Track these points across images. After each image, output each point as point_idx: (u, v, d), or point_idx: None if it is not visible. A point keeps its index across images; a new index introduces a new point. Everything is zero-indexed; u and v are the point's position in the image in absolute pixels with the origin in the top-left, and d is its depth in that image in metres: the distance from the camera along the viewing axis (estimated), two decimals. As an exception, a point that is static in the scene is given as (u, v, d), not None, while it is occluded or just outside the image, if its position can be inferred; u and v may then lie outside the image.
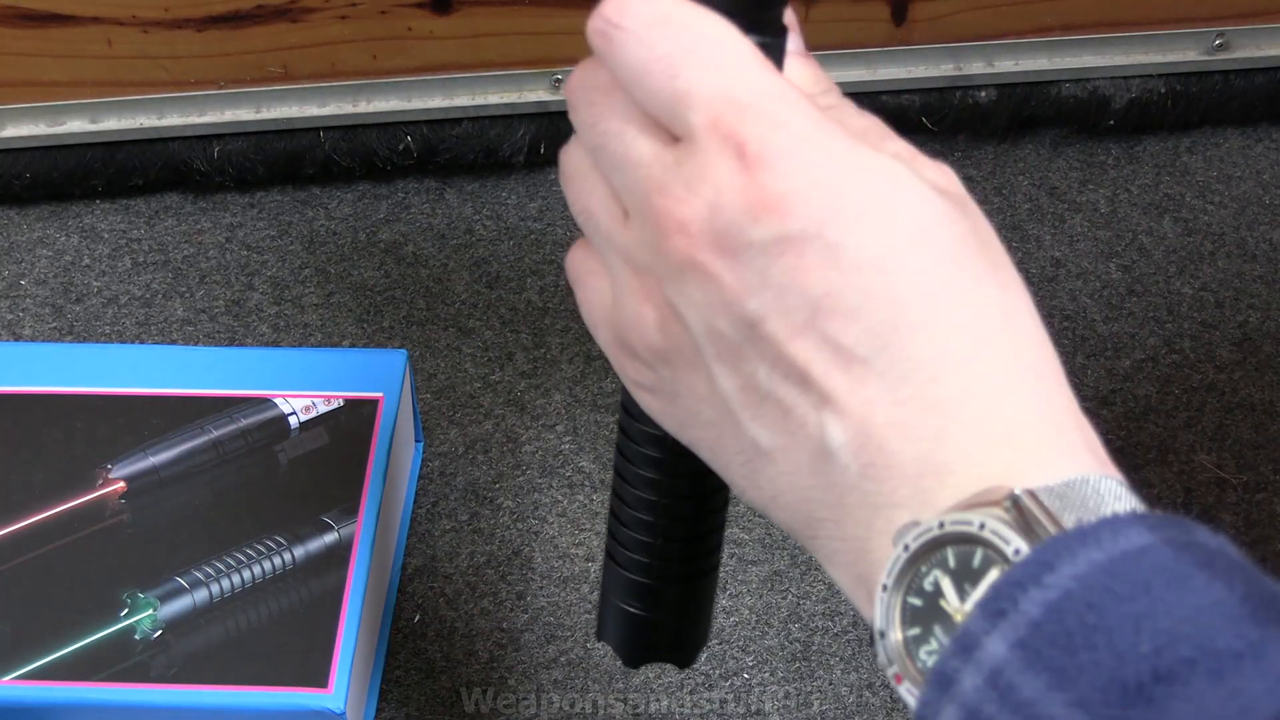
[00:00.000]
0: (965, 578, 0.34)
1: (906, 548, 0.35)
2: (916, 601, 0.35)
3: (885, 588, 0.35)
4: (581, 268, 0.41)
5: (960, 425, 0.35)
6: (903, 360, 0.36)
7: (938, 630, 0.35)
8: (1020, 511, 0.33)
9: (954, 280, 0.36)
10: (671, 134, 0.37)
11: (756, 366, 0.37)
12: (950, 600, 0.34)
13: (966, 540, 0.34)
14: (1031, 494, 0.34)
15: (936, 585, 0.35)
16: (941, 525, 0.34)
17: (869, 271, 0.35)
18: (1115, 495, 0.34)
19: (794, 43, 0.42)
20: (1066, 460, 0.35)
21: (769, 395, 0.37)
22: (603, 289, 0.40)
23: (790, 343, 0.36)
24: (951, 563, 0.34)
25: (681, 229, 0.36)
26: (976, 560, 0.34)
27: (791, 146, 0.36)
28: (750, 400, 0.37)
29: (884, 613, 0.36)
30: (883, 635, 0.36)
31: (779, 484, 0.38)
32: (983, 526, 0.34)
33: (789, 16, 0.41)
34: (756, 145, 0.35)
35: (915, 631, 0.35)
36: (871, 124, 0.40)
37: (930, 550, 0.35)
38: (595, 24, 0.38)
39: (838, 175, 0.36)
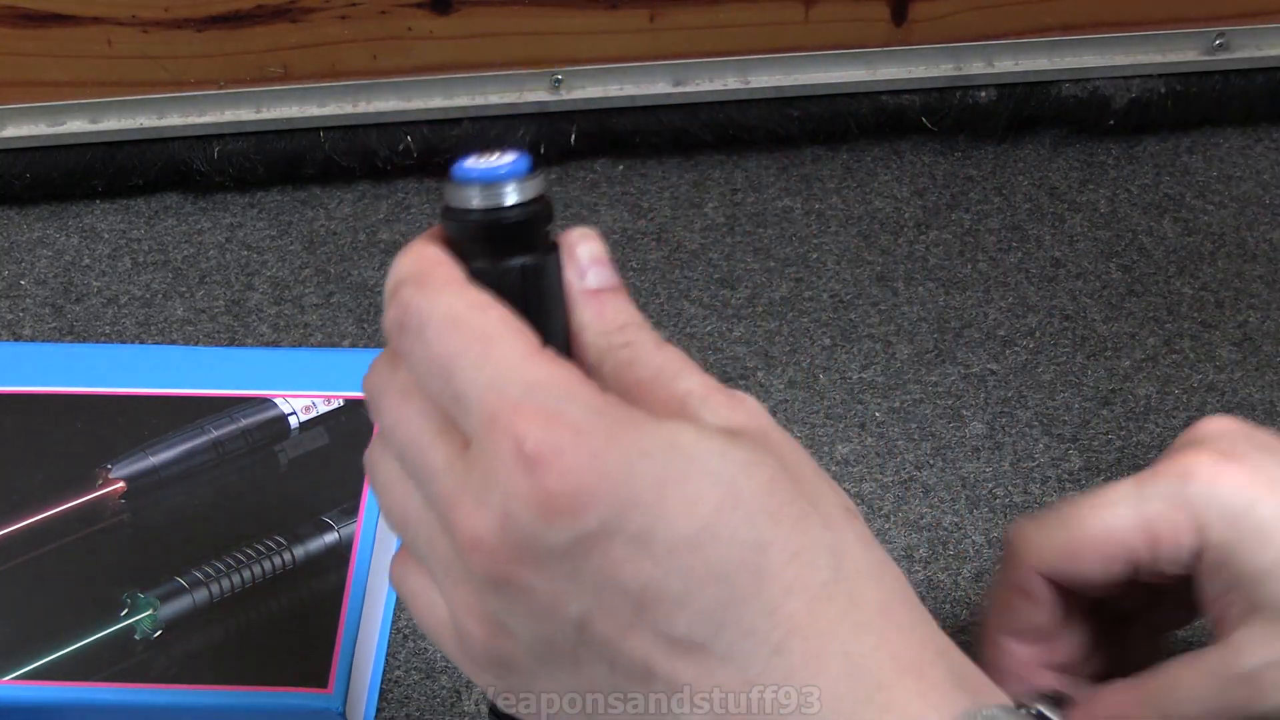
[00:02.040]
0: None
1: None
2: None
3: None
4: (408, 585, 0.39)
5: (820, 692, 0.34)
6: (742, 639, 0.34)
7: None
8: None
9: (773, 536, 0.35)
10: (465, 435, 0.36)
11: (597, 668, 0.35)
12: None
13: None
14: None
15: None
16: None
17: (683, 552, 0.34)
18: None
19: (595, 276, 0.39)
20: (936, 706, 0.34)
21: (621, 691, 0.35)
22: (435, 604, 0.38)
23: (624, 641, 0.34)
24: None
25: (477, 545, 0.34)
26: None
27: (570, 440, 0.34)
28: (604, 700, 0.36)
29: None
30: None
31: None
32: None
33: (589, 246, 0.39)
34: (534, 444, 0.34)
35: None
36: (666, 359, 0.38)
37: None
38: (390, 315, 0.37)
39: (625, 460, 0.34)
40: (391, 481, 0.38)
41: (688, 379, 0.38)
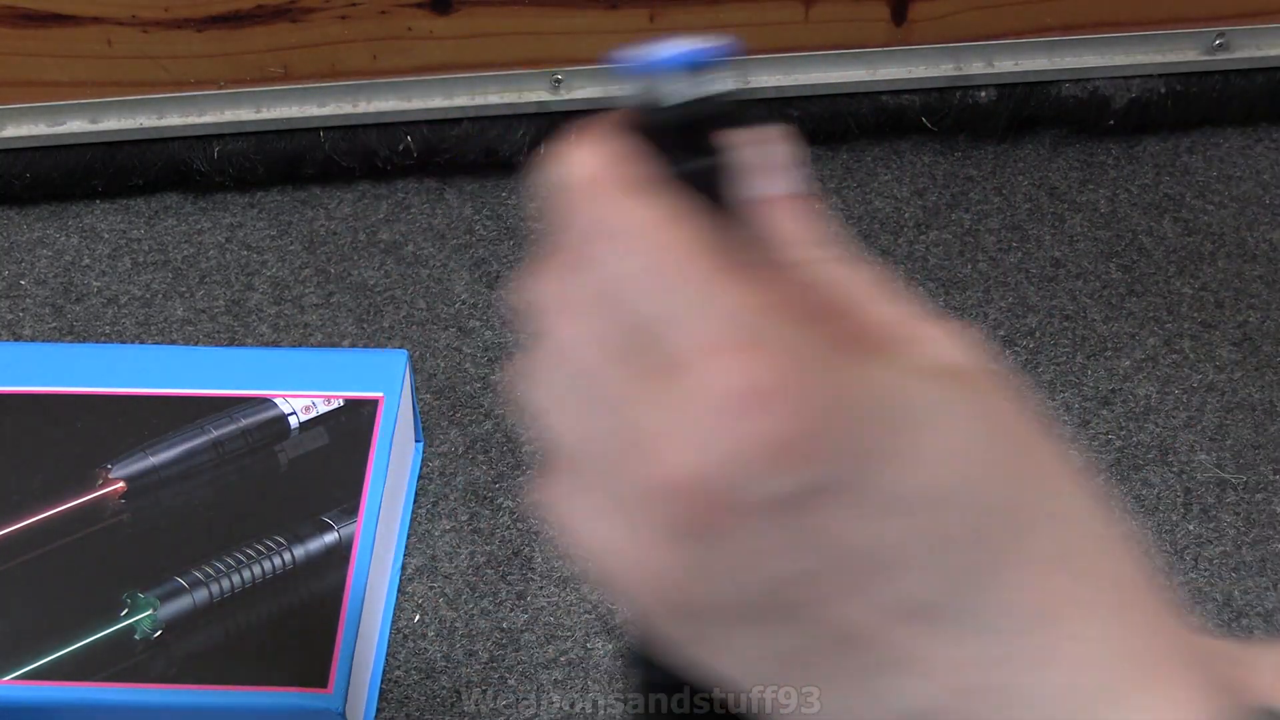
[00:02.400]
0: None
1: None
2: None
3: None
4: (577, 511, 0.35)
5: (1067, 679, 0.31)
6: (991, 612, 0.31)
7: None
8: None
9: (1022, 498, 0.31)
10: (666, 363, 0.31)
11: (807, 629, 0.31)
12: None
13: None
14: None
15: None
16: None
17: (921, 512, 0.30)
18: None
19: (780, 181, 0.35)
20: (1190, 703, 0.31)
21: (832, 656, 0.32)
22: (612, 533, 0.34)
23: (845, 605, 0.31)
24: None
25: (679, 489, 0.30)
26: None
27: (795, 378, 0.30)
28: (808, 663, 0.32)
29: None
30: None
31: None
32: None
33: (774, 147, 0.35)
34: (752, 381, 0.29)
35: None
36: (863, 279, 0.34)
37: None
38: (573, 225, 0.33)
39: (857, 404, 0.30)
40: (563, 401, 0.34)
41: (888, 305, 0.34)
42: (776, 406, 0.29)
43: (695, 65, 0.33)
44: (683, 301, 0.31)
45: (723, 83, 0.33)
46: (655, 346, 0.31)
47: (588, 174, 0.33)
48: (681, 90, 0.33)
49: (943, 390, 0.31)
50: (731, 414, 0.30)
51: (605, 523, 0.34)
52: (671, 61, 0.33)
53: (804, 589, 0.31)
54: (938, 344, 0.33)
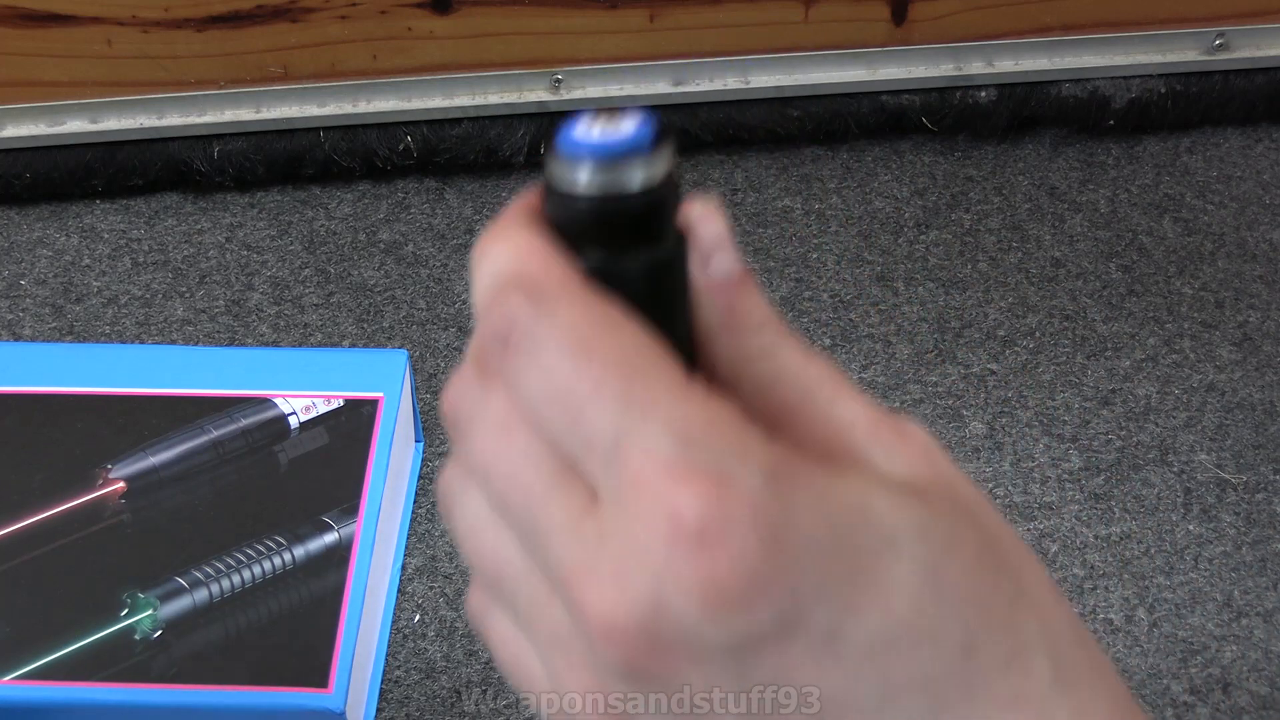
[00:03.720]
0: None
1: None
2: None
3: None
4: (496, 631, 0.32)
5: None
6: None
7: None
8: None
9: (983, 636, 0.29)
10: (590, 487, 0.29)
11: None
12: None
13: None
14: None
15: None
16: None
17: (878, 656, 0.28)
18: None
19: (720, 264, 0.31)
20: None
21: None
22: (529, 661, 0.32)
23: None
24: None
25: (613, 631, 0.28)
26: None
27: (742, 514, 0.27)
28: None
29: None
30: None
31: None
32: None
33: (711, 225, 0.31)
34: (696, 517, 0.27)
35: None
36: (816, 376, 0.31)
37: None
38: (491, 326, 0.29)
39: (809, 540, 0.27)
40: (480, 525, 0.31)
41: (846, 404, 0.31)
42: (723, 544, 0.27)
43: (621, 154, 0.29)
44: (615, 420, 0.28)
45: (662, 165, 0.30)
46: (592, 469, 0.28)
47: (510, 274, 0.30)
48: (636, 176, 0.29)
49: (905, 511, 0.29)
50: (674, 553, 0.27)
51: (517, 648, 0.32)
52: (590, 149, 0.29)
53: None
54: (902, 450, 0.31)
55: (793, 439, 0.30)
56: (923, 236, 0.88)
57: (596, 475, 0.28)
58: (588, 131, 0.29)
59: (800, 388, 0.31)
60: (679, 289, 0.31)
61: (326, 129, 0.90)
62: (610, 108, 0.30)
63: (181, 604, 0.67)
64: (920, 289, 0.85)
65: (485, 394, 0.30)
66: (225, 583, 0.68)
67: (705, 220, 0.31)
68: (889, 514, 0.28)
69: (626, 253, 0.30)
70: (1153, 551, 0.74)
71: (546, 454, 0.29)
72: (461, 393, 0.31)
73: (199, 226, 0.91)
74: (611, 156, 0.29)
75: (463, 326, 0.85)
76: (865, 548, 0.28)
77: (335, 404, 0.73)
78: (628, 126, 0.30)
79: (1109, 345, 0.82)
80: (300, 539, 0.69)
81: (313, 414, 0.73)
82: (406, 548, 0.75)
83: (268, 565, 0.68)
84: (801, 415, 0.31)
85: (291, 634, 0.66)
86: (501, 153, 0.91)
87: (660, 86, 0.91)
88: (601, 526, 0.28)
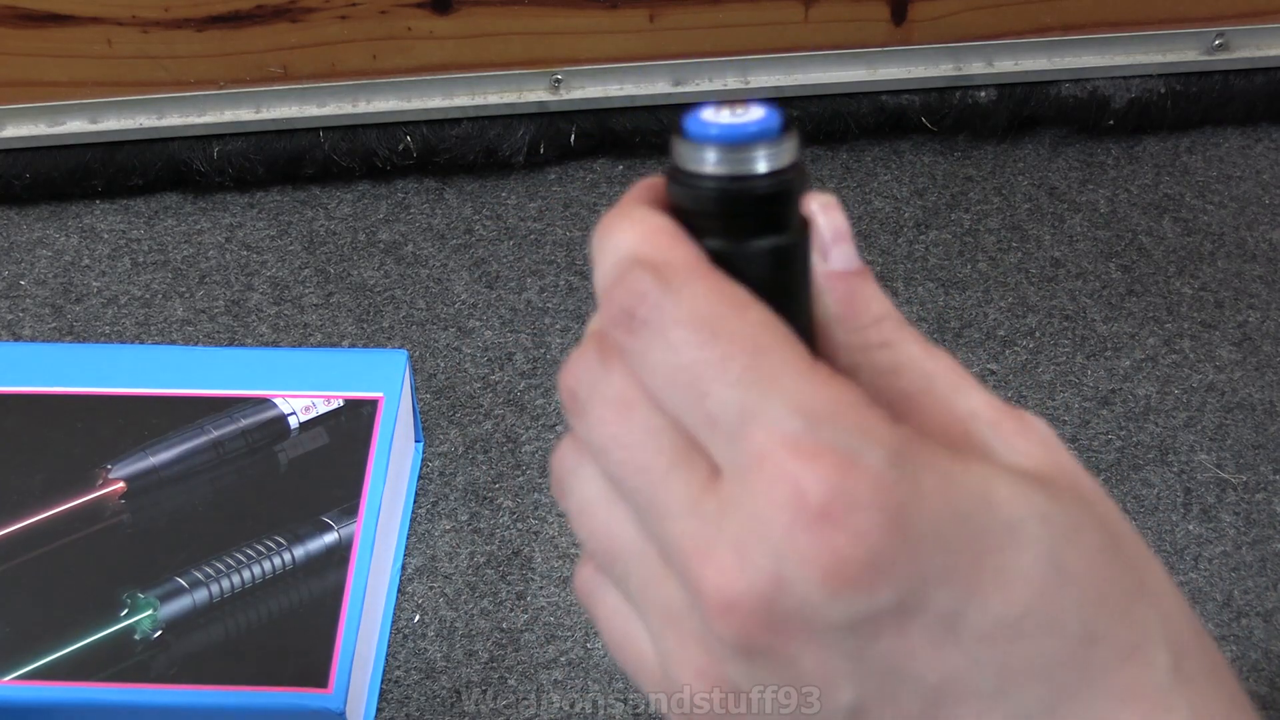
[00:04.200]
0: None
1: None
2: None
3: None
4: (604, 606, 0.33)
5: None
6: None
7: None
8: None
9: (1104, 626, 0.29)
10: (711, 464, 0.29)
11: None
12: None
13: None
14: None
15: None
16: None
17: (999, 641, 0.28)
18: None
19: (839, 257, 0.31)
20: None
21: None
22: (639, 639, 0.32)
23: None
24: None
25: (731, 607, 0.28)
26: None
27: (867, 492, 0.27)
28: None
29: None
30: None
31: None
32: None
33: (831, 217, 0.32)
34: (820, 494, 0.27)
35: None
36: (937, 367, 0.32)
37: None
38: (617, 304, 0.29)
39: (933, 521, 0.27)
40: (594, 502, 0.31)
41: (968, 396, 0.31)
42: (847, 522, 0.27)
43: (748, 138, 0.30)
44: (740, 397, 0.28)
45: (789, 152, 0.31)
46: (715, 447, 0.29)
47: (637, 254, 0.30)
48: (762, 161, 0.30)
49: (1030, 500, 0.29)
50: (797, 529, 0.27)
51: (627, 626, 0.32)
52: (719, 133, 0.30)
53: (865, 717, 0.29)
54: (1023, 442, 0.31)
55: (913, 427, 0.30)
56: (922, 236, 0.88)
57: (720, 452, 0.28)
58: (715, 116, 0.30)
59: (921, 378, 0.31)
60: (800, 277, 0.31)
61: (326, 129, 0.90)
62: (734, 99, 0.31)
63: (181, 604, 0.67)
64: (920, 289, 0.85)
65: (606, 371, 0.30)
66: (225, 583, 0.68)
67: (826, 212, 0.31)
68: (1012, 501, 0.28)
69: (751, 238, 0.30)
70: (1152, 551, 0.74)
71: (668, 430, 0.29)
72: (581, 370, 0.31)
73: (199, 227, 0.91)
74: (741, 139, 0.30)
75: (462, 326, 0.85)
76: (988, 533, 0.28)
77: (335, 404, 0.73)
78: (755, 113, 0.30)
79: (1109, 345, 0.82)
80: (300, 539, 0.69)
81: (312, 414, 0.73)
82: (406, 548, 0.75)
83: (267, 565, 0.68)
84: (922, 405, 0.31)
85: (291, 634, 0.66)
86: (501, 153, 0.91)
87: (660, 86, 0.91)
88: (722, 503, 0.28)
